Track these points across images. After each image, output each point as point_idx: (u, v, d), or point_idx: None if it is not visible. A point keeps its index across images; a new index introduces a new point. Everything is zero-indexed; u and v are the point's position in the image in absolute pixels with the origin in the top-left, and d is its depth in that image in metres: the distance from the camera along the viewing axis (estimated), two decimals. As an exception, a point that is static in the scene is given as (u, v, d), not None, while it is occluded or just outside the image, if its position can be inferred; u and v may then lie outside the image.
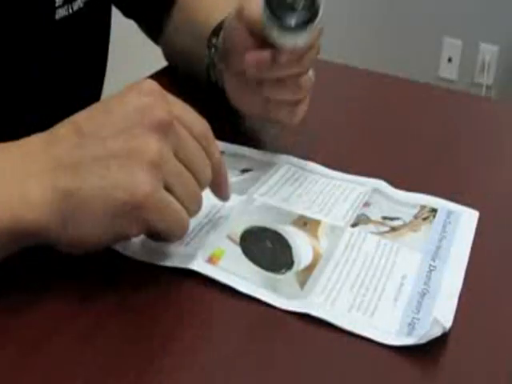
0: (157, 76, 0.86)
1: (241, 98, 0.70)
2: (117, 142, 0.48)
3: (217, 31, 0.73)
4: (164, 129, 0.49)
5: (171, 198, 0.49)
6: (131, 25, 0.92)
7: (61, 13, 0.71)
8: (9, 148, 0.50)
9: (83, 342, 0.47)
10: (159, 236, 0.51)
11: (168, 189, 0.49)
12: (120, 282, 0.51)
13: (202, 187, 0.52)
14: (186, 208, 0.50)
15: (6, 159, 0.49)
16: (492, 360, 0.49)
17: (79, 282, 0.51)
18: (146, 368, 0.45)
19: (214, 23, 0.76)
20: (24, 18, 0.68)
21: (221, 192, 0.56)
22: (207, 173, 0.52)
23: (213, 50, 0.73)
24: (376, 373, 0.47)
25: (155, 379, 0.45)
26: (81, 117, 0.50)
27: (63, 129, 0.50)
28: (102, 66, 0.86)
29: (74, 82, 0.79)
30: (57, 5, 0.70)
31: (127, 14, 0.89)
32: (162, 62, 0.89)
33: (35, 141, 0.50)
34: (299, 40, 0.61)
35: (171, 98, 0.52)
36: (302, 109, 0.67)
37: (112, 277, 0.52)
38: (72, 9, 0.72)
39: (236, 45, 0.66)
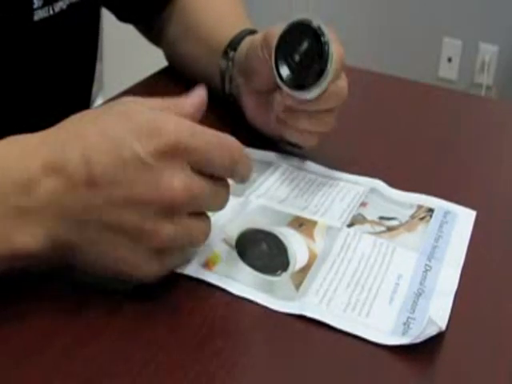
0: (157, 76, 0.87)
1: (257, 115, 0.71)
2: (131, 218, 0.47)
3: (233, 44, 0.74)
4: (177, 205, 0.48)
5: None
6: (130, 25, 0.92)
7: (40, 14, 0.69)
8: (7, 180, 0.47)
9: (83, 340, 0.47)
10: None
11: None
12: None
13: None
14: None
15: (2, 196, 0.47)
16: (491, 360, 0.49)
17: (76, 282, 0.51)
18: (147, 367, 0.45)
19: (221, 31, 0.77)
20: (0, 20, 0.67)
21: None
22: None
23: (230, 63, 0.74)
24: (373, 372, 0.47)
25: (155, 378, 0.45)
26: (96, 164, 0.46)
27: (73, 166, 0.46)
28: (91, 69, 0.86)
29: (60, 84, 0.78)
30: (35, 6, 0.69)
31: (120, 17, 0.89)
32: (162, 63, 0.90)
33: (38, 171, 0.47)
34: (311, 95, 0.62)
35: (197, 129, 0.48)
36: (316, 137, 0.67)
37: (110, 277, 0.52)
38: (53, 10, 0.71)
39: (259, 70, 0.67)
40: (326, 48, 0.61)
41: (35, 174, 0.46)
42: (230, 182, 0.52)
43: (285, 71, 0.63)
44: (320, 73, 0.61)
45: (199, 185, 0.48)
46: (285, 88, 0.63)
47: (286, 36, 0.63)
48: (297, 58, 0.62)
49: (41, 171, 0.46)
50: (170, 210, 0.47)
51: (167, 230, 0.47)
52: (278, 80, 0.63)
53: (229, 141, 0.50)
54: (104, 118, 0.48)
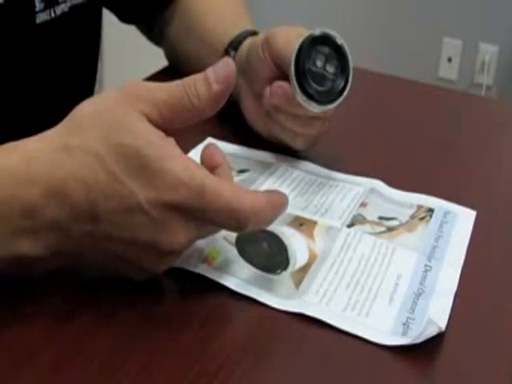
0: (157, 76, 0.87)
1: (256, 117, 0.71)
2: (132, 253, 0.48)
3: (235, 44, 0.74)
4: (178, 251, 0.49)
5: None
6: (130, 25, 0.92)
7: (42, 17, 0.70)
8: (13, 204, 0.47)
9: (81, 341, 0.47)
10: None
11: None
12: (118, 280, 0.52)
13: None
14: None
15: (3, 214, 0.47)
16: (491, 360, 0.49)
17: (77, 277, 0.52)
18: (146, 367, 0.45)
19: (223, 32, 0.77)
20: (1, 23, 0.67)
21: None
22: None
23: None
24: (373, 372, 0.47)
25: (155, 378, 0.45)
26: (100, 206, 0.47)
27: (76, 200, 0.47)
28: (93, 70, 0.86)
29: (62, 86, 0.78)
30: (37, 9, 0.69)
31: (122, 18, 0.89)
32: (162, 62, 0.90)
33: (41, 198, 0.47)
34: (328, 107, 0.62)
35: (208, 191, 0.47)
36: (302, 139, 0.67)
37: (109, 276, 0.52)
38: (55, 13, 0.71)
39: (260, 72, 0.67)
40: (348, 65, 0.62)
41: (38, 201, 0.46)
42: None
43: (311, 84, 0.61)
44: (339, 89, 0.62)
45: (201, 234, 0.50)
46: (303, 101, 0.62)
47: (307, 47, 0.62)
48: (319, 71, 0.62)
49: (44, 198, 0.46)
50: (170, 253, 0.49)
51: (168, 262, 0.50)
52: (298, 91, 0.61)
53: (240, 205, 0.47)
54: (112, 159, 0.47)
